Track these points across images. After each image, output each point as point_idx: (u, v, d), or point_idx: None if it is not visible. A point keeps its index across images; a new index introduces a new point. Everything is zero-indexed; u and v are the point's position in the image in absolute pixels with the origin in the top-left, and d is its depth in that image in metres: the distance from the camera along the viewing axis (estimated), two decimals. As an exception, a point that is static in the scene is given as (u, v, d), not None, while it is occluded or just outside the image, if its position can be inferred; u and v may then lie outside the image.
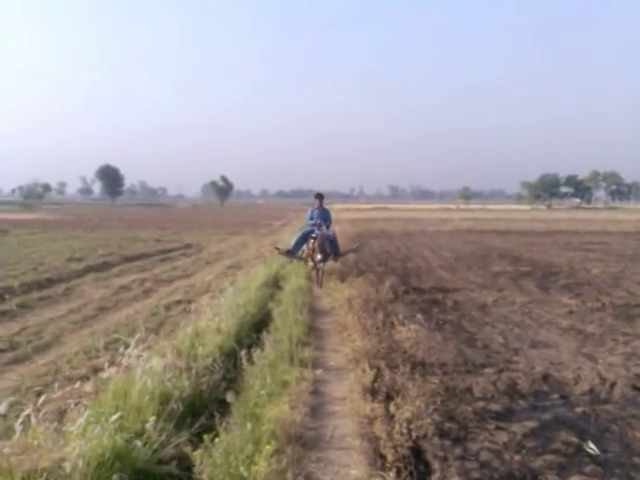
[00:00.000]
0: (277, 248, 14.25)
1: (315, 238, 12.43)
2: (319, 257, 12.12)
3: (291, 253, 13.36)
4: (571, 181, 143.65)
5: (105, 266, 16.49)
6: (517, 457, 4.19)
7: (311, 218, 13.34)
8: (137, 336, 5.59)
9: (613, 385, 5.84)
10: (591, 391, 5.72)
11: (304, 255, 13.28)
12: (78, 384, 5.03)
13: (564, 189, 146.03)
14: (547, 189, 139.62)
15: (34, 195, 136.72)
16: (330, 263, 13.40)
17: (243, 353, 5.84)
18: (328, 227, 13.08)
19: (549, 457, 4.20)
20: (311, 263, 12.76)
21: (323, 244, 12.20)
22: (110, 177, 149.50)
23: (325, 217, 13.33)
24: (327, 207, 13.98)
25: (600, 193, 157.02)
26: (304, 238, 13.16)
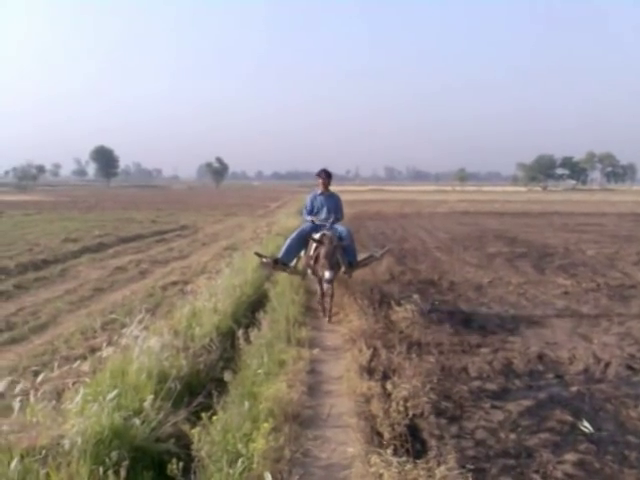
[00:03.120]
0: (259, 255, 8.71)
1: (320, 242, 7.72)
2: (327, 274, 7.28)
3: (282, 263, 8.32)
4: (567, 163, 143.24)
5: (101, 247, 16.44)
6: (512, 435, 4.24)
7: (311, 209, 8.69)
8: (134, 316, 5.59)
9: (607, 365, 5.90)
10: (586, 371, 5.77)
11: (302, 266, 8.71)
12: (76, 364, 5.03)
13: (560, 171, 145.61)
14: (543, 171, 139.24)
15: (28, 177, 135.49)
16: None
17: (240, 333, 5.84)
18: (337, 221, 8.53)
19: (544, 435, 4.24)
20: (313, 276, 8.26)
21: (333, 252, 7.53)
22: (105, 158, 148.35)
23: (334, 207, 8.57)
24: (335, 192, 8.91)
25: (596, 175, 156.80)
26: (301, 241, 8.38)
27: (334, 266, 7.49)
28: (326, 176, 8.58)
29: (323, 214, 8.49)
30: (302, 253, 8.47)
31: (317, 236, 7.94)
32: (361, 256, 8.85)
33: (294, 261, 8.51)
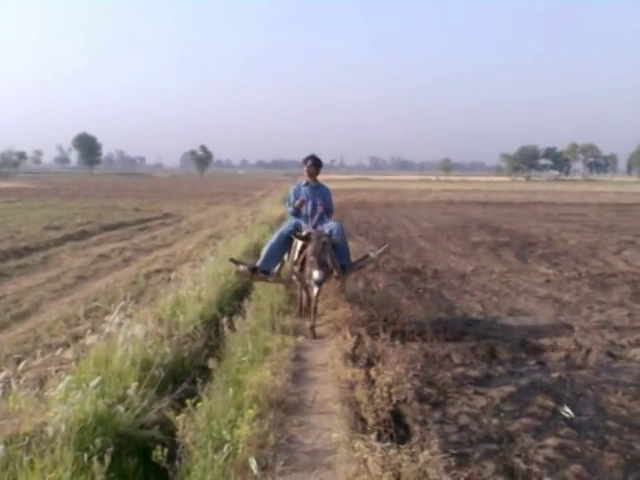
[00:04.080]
0: (234, 261, 7.15)
1: (306, 239, 6.59)
2: (317, 275, 6.09)
3: (261, 272, 6.80)
4: (550, 153, 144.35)
5: (83, 235, 16.32)
6: (495, 421, 4.28)
7: (291, 204, 7.27)
8: (118, 304, 5.56)
9: (588, 351, 5.97)
10: (567, 357, 5.85)
11: (286, 273, 7.20)
12: (59, 351, 5.01)
13: (543, 161, 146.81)
14: (526, 161, 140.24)
15: (9, 163, 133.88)
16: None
17: (225, 321, 5.83)
18: (325, 215, 7.17)
19: (526, 420, 4.29)
20: (298, 282, 7.10)
21: (322, 249, 6.31)
22: (87, 146, 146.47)
23: (321, 201, 7.15)
24: (323, 183, 7.52)
25: (578, 165, 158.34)
26: (283, 243, 6.97)
27: (324, 265, 6.21)
28: (313, 164, 7.13)
29: (308, 209, 7.08)
30: (285, 257, 7.11)
31: (302, 233, 6.78)
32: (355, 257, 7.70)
33: (277, 267, 7.08)
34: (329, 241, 6.47)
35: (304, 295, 7.07)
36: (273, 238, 7.00)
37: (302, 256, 6.60)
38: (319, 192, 7.26)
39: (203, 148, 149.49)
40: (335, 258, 6.69)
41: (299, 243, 6.74)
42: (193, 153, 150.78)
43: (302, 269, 6.65)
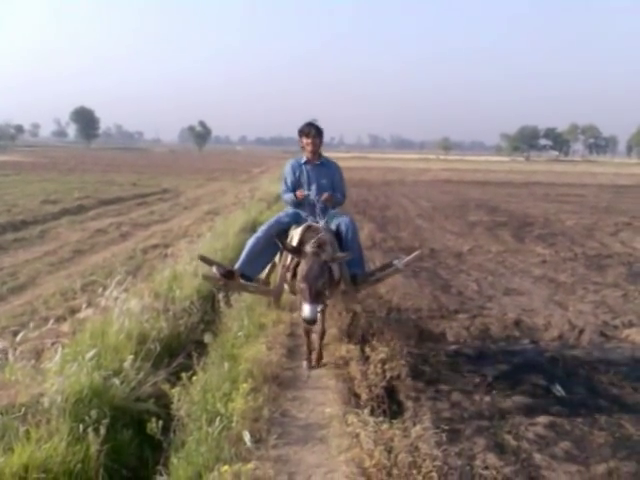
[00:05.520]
0: (205, 260, 5.32)
1: (297, 251, 4.49)
2: (307, 311, 4.13)
3: (242, 277, 4.97)
4: (550, 134, 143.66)
5: (81, 209, 16.28)
6: (487, 398, 4.33)
7: (293, 187, 5.31)
8: (114, 278, 5.57)
9: (582, 331, 6.02)
10: (560, 337, 5.89)
11: (276, 280, 5.03)
12: (55, 324, 5.02)
13: (543, 141, 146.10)
14: (526, 141, 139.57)
15: (6, 137, 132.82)
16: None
17: (221, 296, 5.85)
18: (335, 204, 5.32)
19: (518, 398, 4.35)
20: (293, 295, 5.21)
21: (320, 269, 4.30)
22: (85, 120, 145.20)
23: (329, 184, 5.30)
24: (331, 159, 5.53)
25: (578, 146, 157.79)
26: (273, 240, 4.84)
27: (319, 296, 4.24)
28: (317, 133, 5.17)
29: (312, 194, 5.16)
30: (277, 259, 5.11)
31: (296, 238, 4.75)
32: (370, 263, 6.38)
33: (264, 272, 5.25)
34: (335, 257, 4.47)
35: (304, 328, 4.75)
36: (260, 231, 5.06)
37: (293, 265, 4.64)
38: (325, 171, 5.31)
39: (202, 124, 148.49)
40: (344, 266, 4.84)
41: (295, 237, 4.82)
42: (192, 129, 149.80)
43: (294, 278, 4.64)
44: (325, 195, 5.10)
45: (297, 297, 4.85)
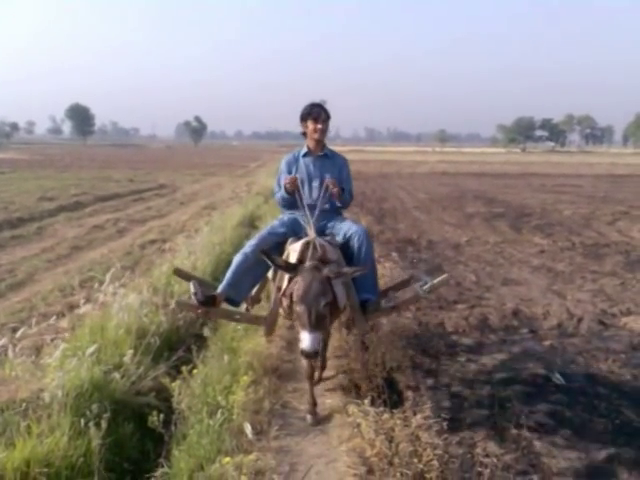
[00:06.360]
0: (182, 275, 4.66)
1: (293, 269, 3.52)
2: (307, 342, 3.18)
3: (227, 301, 4.13)
4: (546, 125, 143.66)
5: (78, 206, 16.22)
6: (486, 387, 4.35)
7: (281, 186, 4.26)
8: (112, 272, 5.55)
9: (580, 320, 6.04)
10: (559, 326, 5.91)
11: (270, 306, 4.10)
12: (54, 320, 5.02)
13: (539, 132, 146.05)
14: (522, 132, 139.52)
15: (1, 134, 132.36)
16: None
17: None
18: (341, 206, 4.35)
19: (517, 387, 4.36)
20: (290, 320, 4.39)
21: (321, 290, 3.31)
22: (80, 116, 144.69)
23: (335, 178, 4.17)
24: (337, 153, 4.46)
25: (574, 137, 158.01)
26: (262, 259, 3.54)
27: (321, 321, 3.31)
28: (327, 118, 4.24)
29: (313, 193, 4.20)
30: (270, 275, 4.22)
31: (294, 255, 3.76)
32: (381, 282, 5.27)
33: (252, 292, 4.47)
34: (339, 272, 3.46)
35: (304, 363, 3.89)
36: (248, 246, 4.09)
37: (290, 287, 3.59)
38: (330, 165, 4.32)
39: (197, 119, 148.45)
40: (352, 289, 3.94)
41: (292, 254, 3.82)
42: (187, 124, 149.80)
43: (288, 309, 3.81)
44: (329, 182, 4.05)
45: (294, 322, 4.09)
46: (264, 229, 4.30)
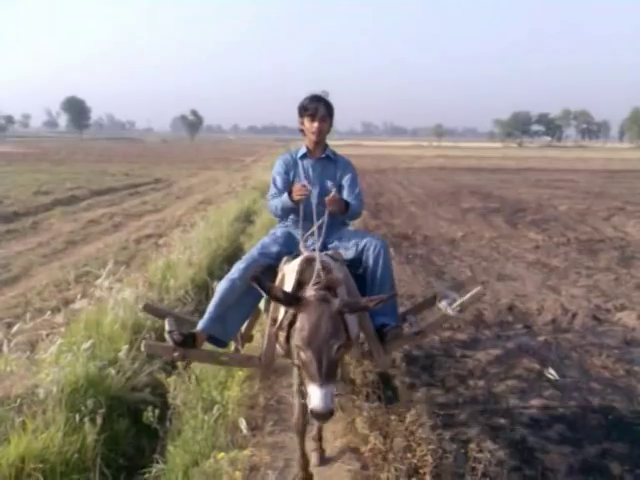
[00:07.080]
0: (150, 308, 3.75)
1: (297, 301, 2.49)
2: (317, 400, 2.20)
3: (211, 340, 3.21)
4: (542, 119, 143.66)
5: (73, 200, 16.18)
6: (481, 383, 4.37)
7: (284, 190, 3.48)
8: (108, 267, 5.55)
9: (574, 315, 6.06)
10: (553, 321, 5.94)
11: (263, 344, 3.15)
12: (49, 315, 5.01)
13: (535, 127, 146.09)
14: (519, 127, 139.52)
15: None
16: None
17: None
18: (352, 216, 3.65)
19: (511, 382, 4.38)
20: (287, 359, 2.96)
21: (333, 332, 2.34)
22: (76, 109, 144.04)
23: (338, 185, 3.59)
24: (342, 156, 3.78)
25: (571, 131, 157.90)
26: (253, 286, 2.54)
27: (334, 367, 2.37)
28: (327, 113, 3.51)
29: (312, 202, 3.37)
30: (262, 305, 3.40)
31: (290, 277, 2.93)
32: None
33: (241, 329, 3.60)
34: (355, 304, 2.62)
35: (297, 401, 3.10)
36: (236, 270, 3.24)
37: (289, 321, 2.63)
38: (332, 169, 3.67)
39: (194, 113, 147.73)
40: (366, 315, 3.13)
41: (289, 276, 2.99)
42: (184, 118, 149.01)
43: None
44: (330, 195, 3.33)
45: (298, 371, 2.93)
46: (254, 248, 3.45)
